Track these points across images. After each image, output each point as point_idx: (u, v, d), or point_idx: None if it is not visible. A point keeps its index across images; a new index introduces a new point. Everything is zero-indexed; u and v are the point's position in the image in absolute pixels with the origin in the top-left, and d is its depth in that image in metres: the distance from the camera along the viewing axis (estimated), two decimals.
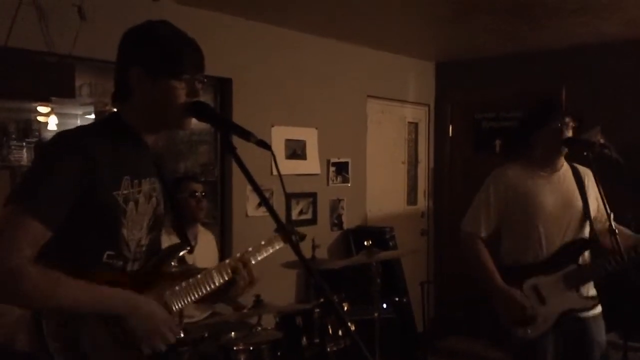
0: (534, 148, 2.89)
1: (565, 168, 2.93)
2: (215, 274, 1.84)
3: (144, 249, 1.71)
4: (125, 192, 1.61)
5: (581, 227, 2.87)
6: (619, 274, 2.75)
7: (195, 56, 1.69)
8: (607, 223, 2.71)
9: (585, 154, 2.79)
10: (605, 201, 2.74)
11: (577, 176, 2.90)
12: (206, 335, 2.94)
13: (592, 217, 2.85)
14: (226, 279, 1.86)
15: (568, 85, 5.37)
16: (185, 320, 3.00)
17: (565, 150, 2.85)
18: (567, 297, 2.79)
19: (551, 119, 2.82)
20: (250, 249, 2.01)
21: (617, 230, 2.68)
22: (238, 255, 1.96)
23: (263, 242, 2.06)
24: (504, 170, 2.93)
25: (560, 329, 2.79)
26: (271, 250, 2.11)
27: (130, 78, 1.63)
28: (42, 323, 1.46)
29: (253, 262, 1.98)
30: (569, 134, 2.82)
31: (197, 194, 3.52)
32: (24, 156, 4.42)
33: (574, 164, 2.94)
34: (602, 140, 2.84)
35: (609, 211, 2.72)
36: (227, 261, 1.91)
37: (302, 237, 2.44)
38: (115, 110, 1.71)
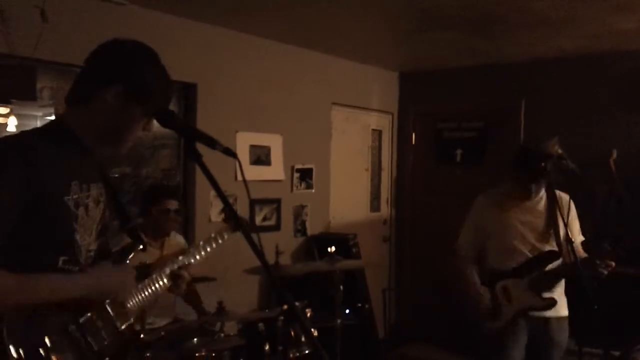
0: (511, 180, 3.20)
1: (540, 196, 3.18)
2: (164, 275, 2.03)
3: (92, 254, 1.71)
4: (75, 196, 1.60)
5: (548, 245, 3.16)
6: (573, 281, 3.00)
7: (168, 99, 1.73)
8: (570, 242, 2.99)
9: (542, 164, 2.87)
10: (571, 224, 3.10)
11: (551, 202, 3.15)
12: (163, 334, 2.87)
13: (560, 238, 3.11)
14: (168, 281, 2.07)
15: (527, 97, 5.52)
16: (147, 327, 2.96)
17: (541, 186, 3.11)
18: (529, 297, 3.09)
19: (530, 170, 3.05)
20: (200, 242, 2.11)
21: (573, 240, 2.97)
22: (181, 257, 2.18)
23: (212, 234, 2.15)
24: (483, 197, 3.33)
25: (527, 325, 3.11)
26: (220, 241, 2.19)
27: (107, 91, 1.62)
28: (2, 330, 1.43)
29: (203, 253, 2.19)
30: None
31: (170, 212, 3.41)
32: None
33: (557, 190, 3.15)
34: (559, 151, 2.93)
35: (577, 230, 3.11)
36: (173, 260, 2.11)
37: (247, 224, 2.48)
38: (55, 117, 1.72)
